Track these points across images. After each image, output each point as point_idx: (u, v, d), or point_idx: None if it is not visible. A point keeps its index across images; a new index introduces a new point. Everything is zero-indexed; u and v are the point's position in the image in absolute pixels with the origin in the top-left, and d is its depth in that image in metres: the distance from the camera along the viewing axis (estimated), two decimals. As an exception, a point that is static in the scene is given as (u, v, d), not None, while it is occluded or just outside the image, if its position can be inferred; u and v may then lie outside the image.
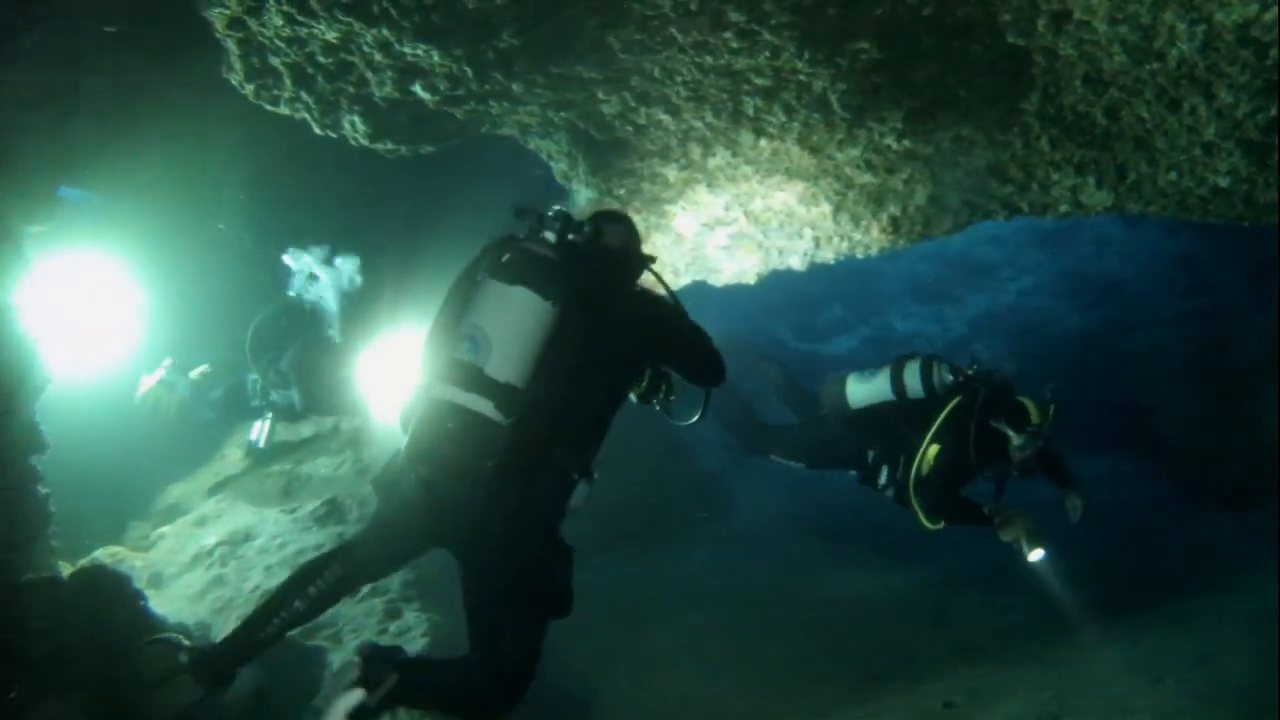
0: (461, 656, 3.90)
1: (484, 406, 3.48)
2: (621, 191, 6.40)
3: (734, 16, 5.11)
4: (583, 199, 6.80)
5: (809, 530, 10.34)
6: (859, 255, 6.84)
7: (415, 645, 6.43)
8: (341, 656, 6.38)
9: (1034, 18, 5.43)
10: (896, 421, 7.11)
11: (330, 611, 6.83)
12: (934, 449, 6.85)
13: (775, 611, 8.54)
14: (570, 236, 3.89)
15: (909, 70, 5.72)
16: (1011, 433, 6.66)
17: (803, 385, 8.55)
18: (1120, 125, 5.82)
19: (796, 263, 6.86)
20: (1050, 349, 13.96)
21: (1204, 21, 4.99)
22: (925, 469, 6.93)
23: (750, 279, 7.13)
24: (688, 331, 4.19)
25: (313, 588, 4.12)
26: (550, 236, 3.84)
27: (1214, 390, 11.41)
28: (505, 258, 3.72)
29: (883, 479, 7.34)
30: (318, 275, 7.90)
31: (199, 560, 7.77)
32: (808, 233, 6.64)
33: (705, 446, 11.81)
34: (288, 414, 8.46)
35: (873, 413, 7.28)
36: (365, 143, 6.48)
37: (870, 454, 7.40)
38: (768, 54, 5.43)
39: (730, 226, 6.62)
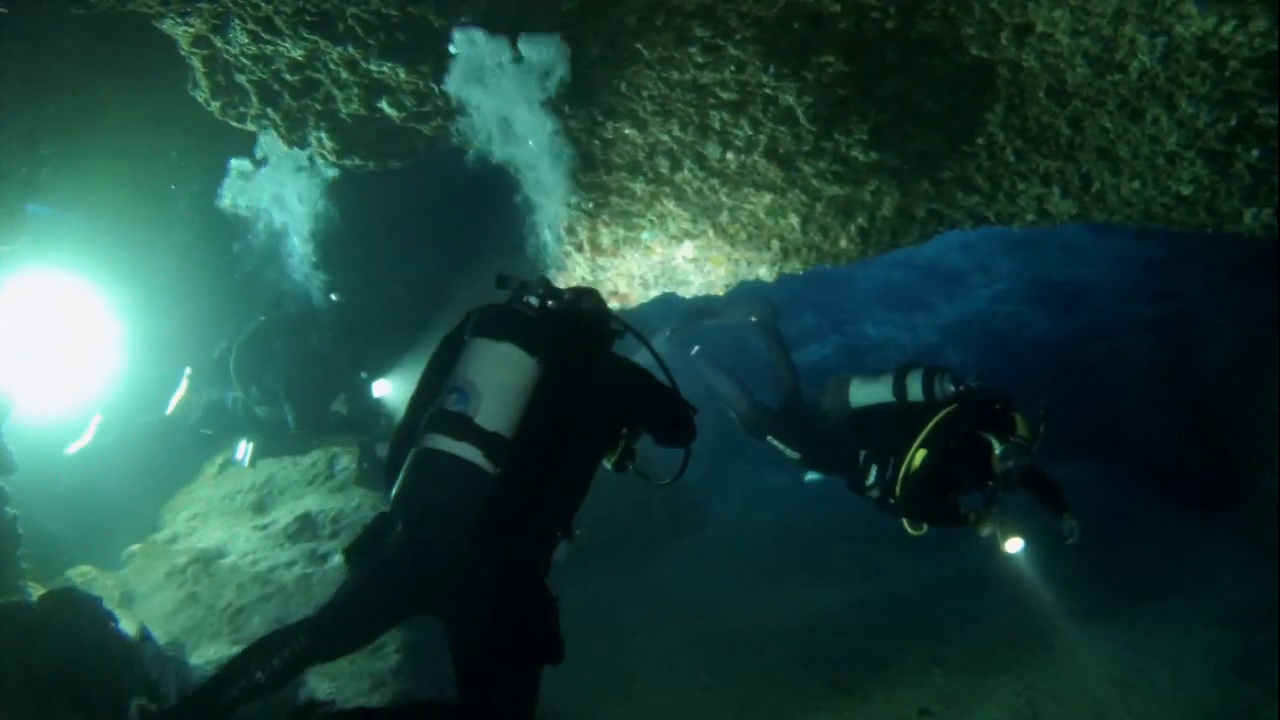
0: (455, 705, 3.89)
1: (474, 455, 3.57)
2: (590, 205, 6.41)
3: (699, 32, 5.15)
4: (551, 213, 6.81)
5: (783, 541, 10.35)
6: (828, 265, 6.87)
7: (389, 661, 6.42)
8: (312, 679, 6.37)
9: (997, 31, 5.49)
10: (892, 424, 7.17)
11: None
12: (921, 453, 6.88)
13: (750, 622, 8.55)
14: (550, 302, 4.06)
15: (874, 84, 5.76)
16: (994, 440, 6.69)
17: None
18: (1084, 135, 5.88)
19: (765, 274, 6.88)
20: (1020, 355, 14.05)
21: (1164, 34, 5.05)
22: (912, 471, 6.97)
23: (719, 290, 7.15)
24: (659, 392, 4.34)
25: (276, 658, 4.07)
26: (534, 300, 4.01)
27: (1181, 394, 11.50)
28: (492, 318, 3.85)
29: (870, 479, 7.36)
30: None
31: (171, 578, 7.73)
32: (775, 244, 6.66)
33: (679, 459, 11.80)
34: (274, 432, 8.42)
35: (871, 413, 7.41)
36: (332, 159, 6.48)
37: (862, 454, 7.43)
38: (733, 68, 5.47)
39: (698, 239, 6.64)
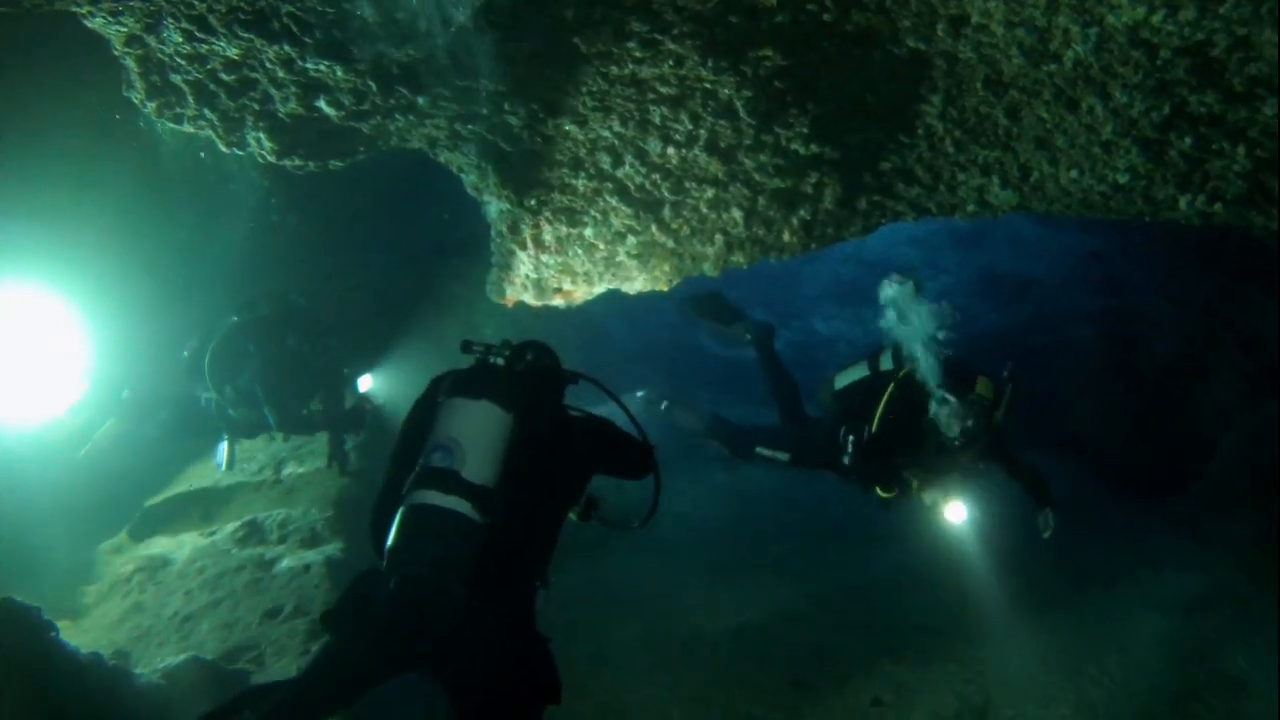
0: None
1: (464, 507, 3.78)
2: (532, 202, 6.39)
3: (636, 26, 5.15)
4: (494, 210, 6.79)
5: (735, 538, 10.33)
6: (772, 259, 6.87)
7: (339, 665, 6.37)
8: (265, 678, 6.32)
9: (933, 22, 5.52)
10: (864, 395, 7.39)
11: (254, 632, 6.85)
12: (880, 412, 7.14)
13: (704, 619, 8.54)
14: (515, 361, 4.38)
15: (812, 77, 5.78)
16: (951, 396, 6.87)
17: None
18: (1021, 126, 5.93)
19: (709, 268, 6.88)
20: (968, 347, 14.12)
21: (1096, 24, 5.10)
22: (870, 432, 7.18)
23: (664, 286, 7.14)
24: (618, 435, 4.64)
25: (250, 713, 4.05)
26: (499, 361, 4.33)
27: (1126, 384, 11.62)
28: (466, 379, 4.12)
29: (849, 449, 7.46)
30: None
31: (116, 588, 7.64)
32: (719, 238, 6.66)
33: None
34: (251, 432, 8.34)
35: (848, 391, 7.65)
36: (272, 159, 6.43)
37: (841, 430, 7.55)
38: (671, 63, 5.47)
39: (641, 234, 6.63)
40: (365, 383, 8.79)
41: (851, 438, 7.45)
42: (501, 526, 3.88)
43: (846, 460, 7.51)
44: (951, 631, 8.26)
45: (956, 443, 7.10)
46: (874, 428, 7.20)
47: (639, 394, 9.25)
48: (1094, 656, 7.67)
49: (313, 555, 7.63)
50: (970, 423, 6.89)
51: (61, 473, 7.88)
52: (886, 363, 7.47)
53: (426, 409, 4.16)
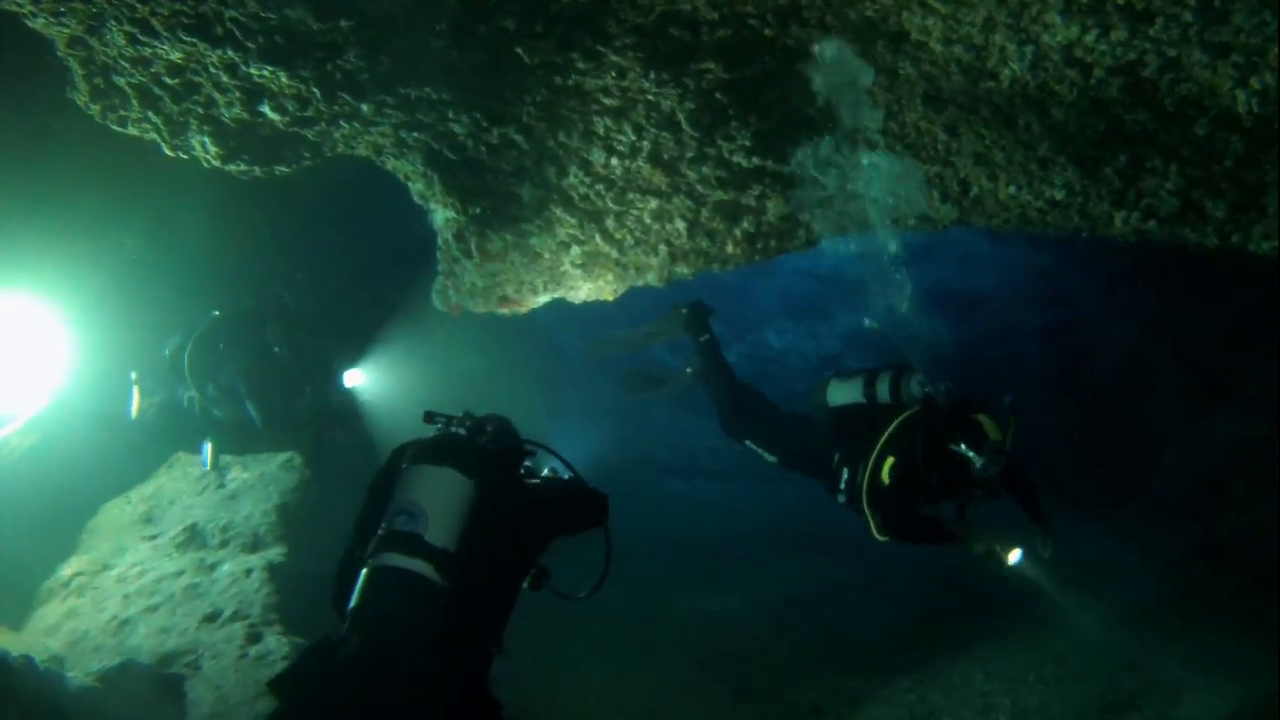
0: None
1: (427, 569, 3.80)
2: (478, 210, 6.40)
3: (580, 38, 5.19)
4: (440, 218, 6.80)
5: (681, 548, 10.43)
6: (715, 270, 6.92)
7: (277, 669, 6.34)
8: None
9: (873, 39, 5.59)
10: (861, 426, 7.01)
11: (191, 637, 6.82)
12: (889, 460, 6.68)
13: (649, 629, 8.59)
14: (476, 435, 4.38)
15: (755, 90, 5.84)
16: (972, 455, 6.35)
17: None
18: (960, 142, 6.01)
19: (653, 279, 6.92)
20: (918, 362, 14.26)
21: (1032, 43, 5.19)
22: (881, 480, 6.73)
23: (608, 295, 7.18)
24: (571, 496, 4.72)
25: None
26: (461, 431, 4.35)
27: (1072, 399, 11.77)
28: (429, 446, 4.16)
29: (842, 483, 7.12)
30: None
31: (53, 592, 7.58)
32: (663, 249, 6.71)
33: (581, 464, 11.83)
34: (236, 431, 8.27)
35: (844, 414, 7.25)
36: (217, 164, 6.41)
37: (835, 456, 7.23)
38: (614, 74, 5.52)
39: (586, 244, 6.67)
40: (353, 378, 8.71)
41: (846, 470, 7.09)
42: (462, 591, 3.92)
43: (842, 498, 7.14)
44: (894, 640, 8.36)
45: (977, 493, 6.72)
46: (885, 475, 6.70)
47: (688, 370, 8.65)
48: (1034, 666, 7.77)
49: (254, 560, 7.60)
50: (992, 472, 6.45)
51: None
52: (883, 391, 7.07)
53: (389, 475, 4.22)
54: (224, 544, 7.85)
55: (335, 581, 4.14)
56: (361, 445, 9.26)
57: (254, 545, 7.85)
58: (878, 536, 6.82)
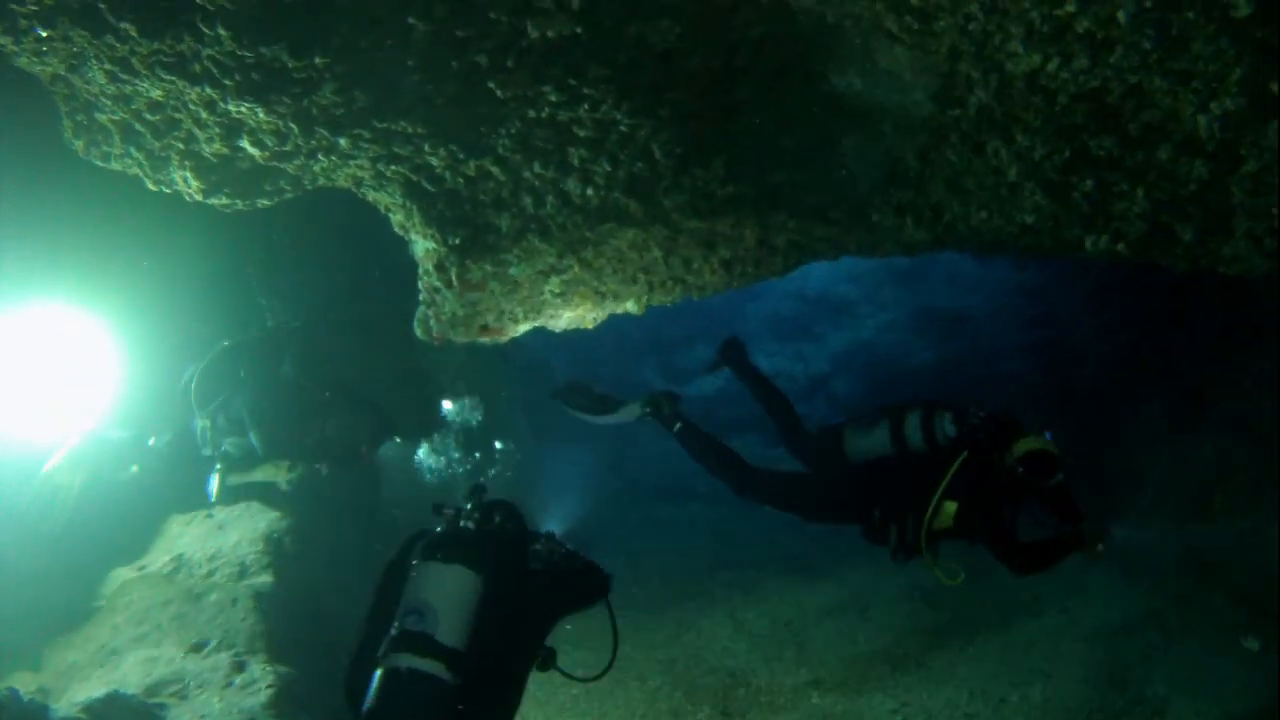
0: None
1: (439, 669, 3.94)
2: (457, 241, 6.47)
3: (551, 71, 5.28)
4: (420, 249, 6.87)
5: (668, 571, 10.47)
6: (695, 297, 7.01)
7: (260, 697, 6.40)
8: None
9: (845, 68, 5.70)
10: (901, 480, 6.63)
11: (178, 666, 6.86)
12: (951, 506, 6.36)
13: (633, 651, 8.62)
14: (484, 525, 4.50)
15: (727, 120, 5.94)
16: (1047, 481, 6.22)
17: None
18: (931, 168, 6.09)
19: (632, 306, 7.01)
20: (905, 382, 14.38)
21: (996, 71, 5.28)
22: (944, 525, 6.43)
23: (588, 323, 7.26)
24: (574, 577, 4.80)
25: None
26: (470, 525, 4.44)
27: (1057, 416, 11.83)
28: (437, 543, 4.30)
29: (892, 541, 6.63)
30: None
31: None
32: (641, 277, 6.79)
33: (568, 489, 11.90)
34: (243, 463, 8.31)
35: (874, 468, 6.80)
36: (200, 198, 6.49)
37: (875, 513, 6.70)
38: (587, 106, 5.60)
39: (565, 273, 6.75)
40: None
41: (894, 528, 6.60)
42: (473, 685, 4.05)
43: (899, 557, 6.66)
44: (880, 662, 8.39)
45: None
46: (948, 518, 6.38)
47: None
48: (1019, 685, 7.81)
49: (240, 589, 7.63)
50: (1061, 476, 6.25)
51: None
52: (915, 438, 6.64)
53: (400, 570, 4.35)
54: (211, 573, 7.89)
55: (349, 674, 4.30)
56: (351, 477, 9.36)
57: (240, 574, 7.89)
58: (946, 582, 6.53)
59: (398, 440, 9.68)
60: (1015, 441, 6.30)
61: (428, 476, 10.73)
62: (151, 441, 8.34)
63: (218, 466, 8.36)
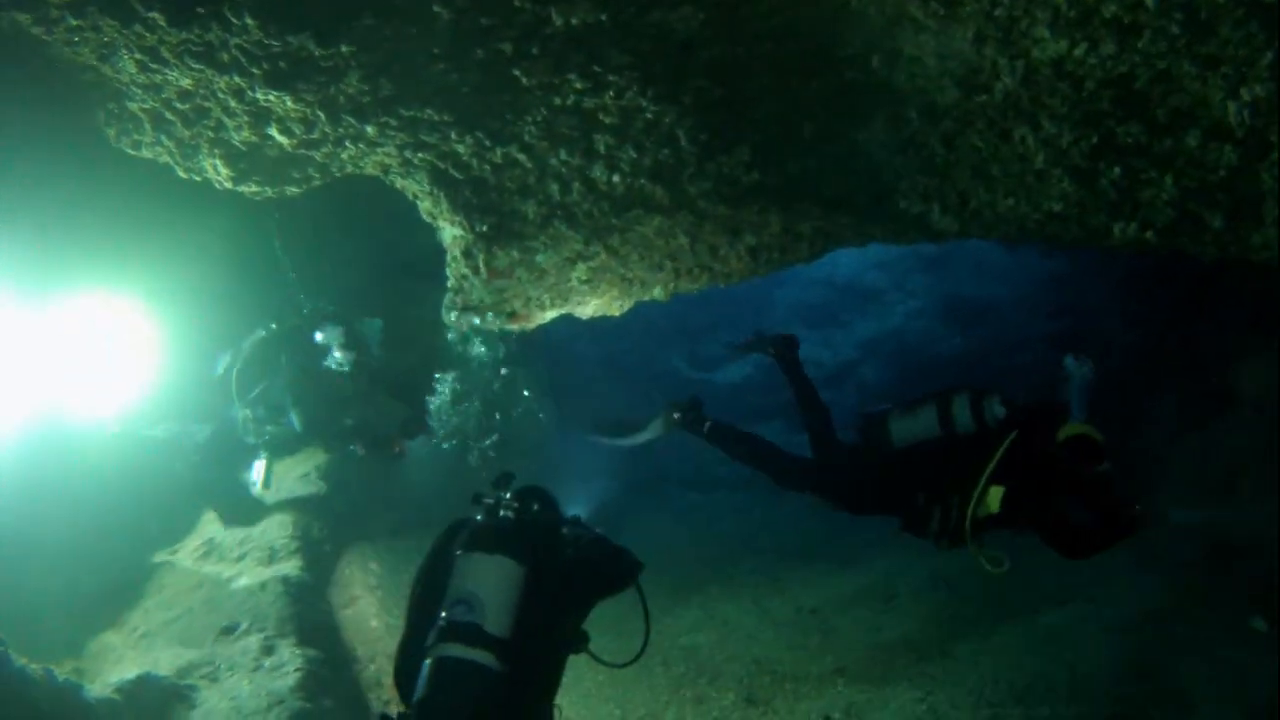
0: None
1: (487, 659, 4.04)
2: (484, 228, 6.50)
3: (575, 59, 5.30)
4: (448, 236, 6.91)
5: (693, 559, 10.48)
6: (721, 284, 7.03)
7: (288, 680, 6.46)
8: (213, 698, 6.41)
9: (869, 56, 5.69)
10: (946, 462, 6.49)
11: (208, 650, 6.94)
12: (997, 491, 6.24)
13: (657, 639, 8.60)
14: (523, 514, 4.57)
15: (751, 107, 5.94)
16: (1092, 467, 6.12)
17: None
18: (957, 154, 6.08)
19: (659, 293, 7.04)
20: (932, 370, 14.33)
21: (1021, 57, 5.27)
22: (988, 509, 6.31)
23: (615, 310, 7.29)
24: (605, 561, 4.86)
25: None
26: (509, 514, 4.51)
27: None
28: (480, 533, 4.39)
29: (934, 525, 6.55)
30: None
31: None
32: (668, 264, 6.81)
33: (594, 475, 11.93)
34: (287, 448, 8.39)
35: (918, 450, 6.66)
36: (230, 185, 6.56)
37: (920, 497, 6.60)
38: (612, 93, 5.61)
39: (591, 260, 6.78)
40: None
41: (938, 510, 6.52)
42: (518, 671, 4.13)
43: (943, 543, 6.59)
44: (905, 650, 8.37)
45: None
46: (993, 504, 6.26)
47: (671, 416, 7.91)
48: (1044, 676, 7.77)
49: (269, 573, 7.71)
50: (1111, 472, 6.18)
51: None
52: (964, 419, 6.50)
53: (443, 560, 4.45)
54: (241, 558, 7.97)
55: (398, 664, 4.43)
56: (381, 465, 9.41)
57: (270, 559, 7.96)
58: (991, 570, 6.39)
59: (426, 435, 9.69)
60: (1062, 426, 6.23)
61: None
62: (194, 437, 8.45)
63: (264, 454, 8.44)
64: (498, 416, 11.14)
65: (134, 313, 8.08)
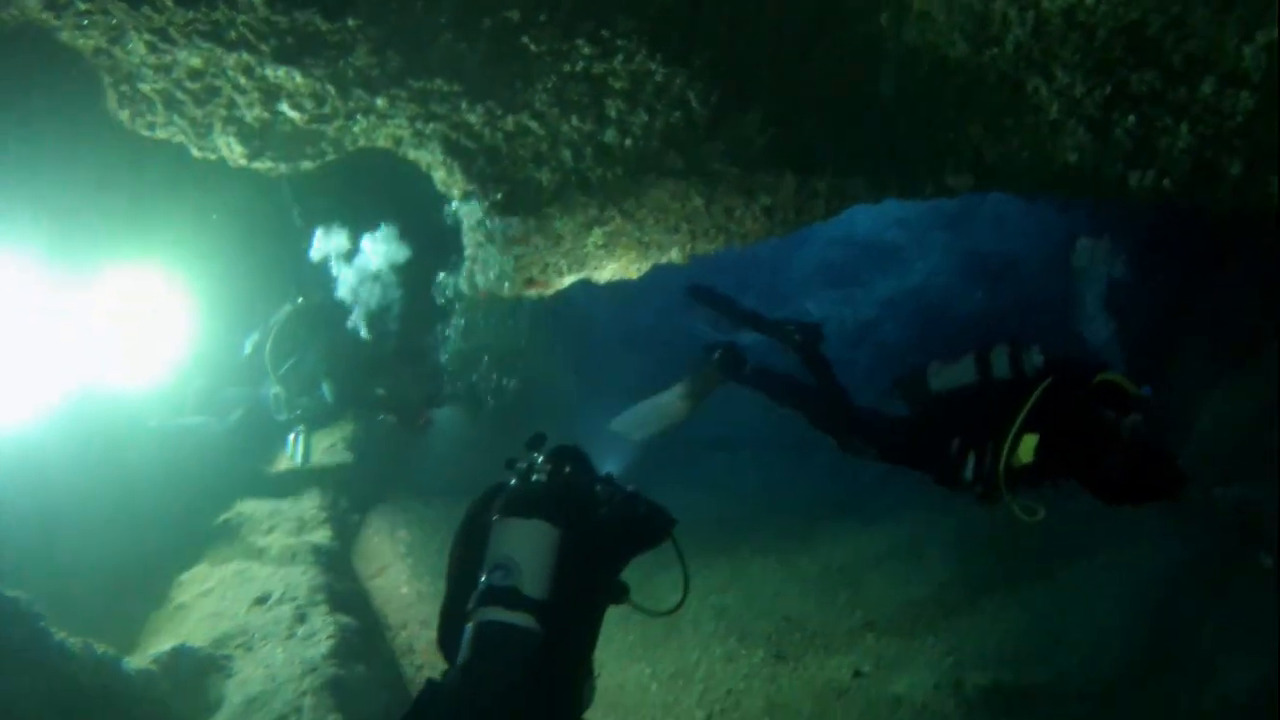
0: None
1: (528, 621, 4.12)
2: (498, 196, 6.52)
3: (583, 24, 5.30)
4: (463, 206, 6.94)
5: (718, 519, 10.49)
6: (738, 245, 7.03)
7: (321, 648, 6.55)
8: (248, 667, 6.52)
9: (877, 11, 5.67)
10: (981, 407, 6.48)
11: (242, 620, 7.04)
12: (1031, 439, 6.20)
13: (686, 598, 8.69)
14: (556, 476, 4.66)
15: (761, 68, 5.93)
16: (1126, 418, 6.03)
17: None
18: (971, 109, 6.05)
19: (676, 256, 7.05)
20: (954, 327, 14.29)
21: (1031, 8, 5.25)
22: (1019, 459, 6.27)
23: (632, 274, 7.31)
24: (640, 519, 4.93)
25: None
26: (542, 477, 4.60)
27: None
28: (516, 498, 4.47)
29: (968, 471, 6.52)
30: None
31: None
32: (684, 227, 6.82)
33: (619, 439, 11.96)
34: (321, 420, 8.47)
35: (954, 397, 6.69)
36: (244, 163, 6.59)
37: (954, 443, 6.60)
38: (621, 58, 5.61)
39: (607, 225, 6.79)
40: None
41: (972, 455, 6.50)
42: (556, 632, 4.21)
43: (976, 489, 6.56)
44: (933, 605, 8.41)
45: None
46: (1026, 453, 6.23)
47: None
48: (1069, 629, 7.80)
49: (300, 543, 7.81)
50: (1143, 428, 6.09)
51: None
52: (1001, 367, 6.49)
53: (479, 525, 4.51)
54: (271, 529, 8.07)
55: (441, 627, 4.53)
56: (406, 436, 9.47)
57: (299, 529, 8.06)
58: (1026, 518, 6.29)
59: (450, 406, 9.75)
60: (1098, 374, 6.20)
61: None
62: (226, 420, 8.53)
63: (300, 429, 8.51)
64: (505, 382, 11.15)
65: (166, 285, 8.16)
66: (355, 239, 8.77)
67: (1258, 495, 7.77)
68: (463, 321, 10.76)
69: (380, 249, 8.44)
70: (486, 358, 11.01)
